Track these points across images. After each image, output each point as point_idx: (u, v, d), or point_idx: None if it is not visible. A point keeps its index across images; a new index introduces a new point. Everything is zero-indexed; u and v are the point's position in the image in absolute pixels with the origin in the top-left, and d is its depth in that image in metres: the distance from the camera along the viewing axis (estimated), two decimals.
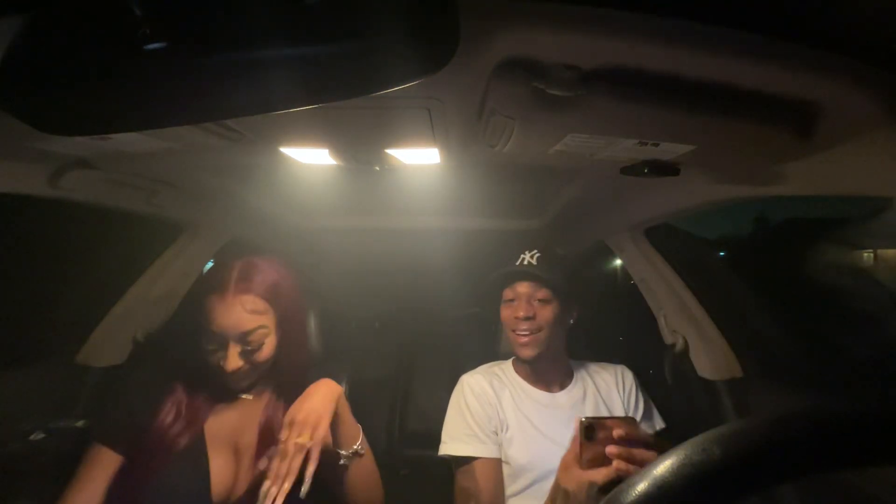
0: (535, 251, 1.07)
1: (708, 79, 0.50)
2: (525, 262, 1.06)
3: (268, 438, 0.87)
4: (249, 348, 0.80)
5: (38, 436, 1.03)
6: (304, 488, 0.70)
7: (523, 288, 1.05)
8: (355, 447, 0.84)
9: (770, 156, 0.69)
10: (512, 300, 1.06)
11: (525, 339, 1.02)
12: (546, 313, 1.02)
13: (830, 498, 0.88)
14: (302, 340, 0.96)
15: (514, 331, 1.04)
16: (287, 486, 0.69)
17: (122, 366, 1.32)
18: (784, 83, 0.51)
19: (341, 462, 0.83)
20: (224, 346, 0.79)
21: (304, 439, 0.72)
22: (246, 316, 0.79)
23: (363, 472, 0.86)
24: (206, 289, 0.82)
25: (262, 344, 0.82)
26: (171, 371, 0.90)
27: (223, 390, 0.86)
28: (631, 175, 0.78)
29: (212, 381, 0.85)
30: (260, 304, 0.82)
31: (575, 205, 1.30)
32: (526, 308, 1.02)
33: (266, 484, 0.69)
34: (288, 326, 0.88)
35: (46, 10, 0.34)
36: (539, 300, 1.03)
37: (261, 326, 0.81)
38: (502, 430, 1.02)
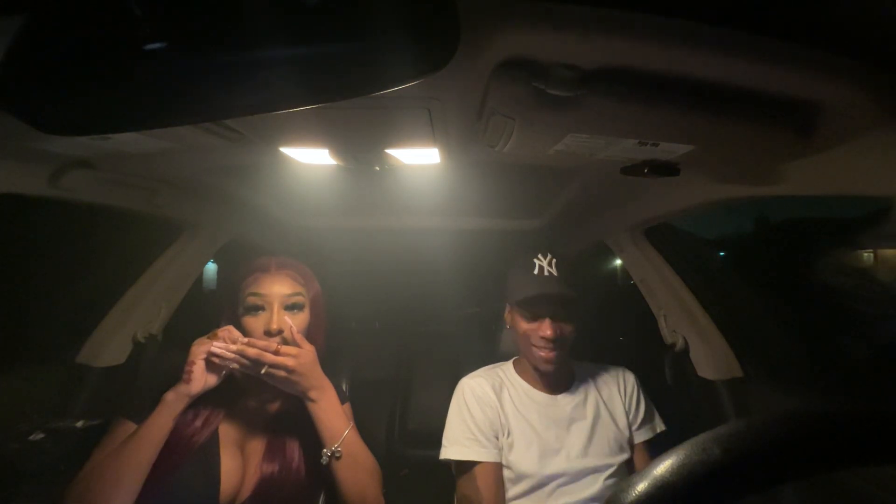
0: (550, 256, 1.02)
1: (708, 79, 0.50)
2: (546, 273, 0.99)
3: (277, 443, 0.88)
4: (291, 307, 0.90)
5: (37, 436, 1.03)
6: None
7: (549, 308, 0.99)
8: (334, 448, 0.84)
9: (770, 156, 0.69)
10: (533, 318, 1.01)
11: (549, 355, 0.99)
12: (569, 329, 1.00)
13: (830, 498, 0.88)
14: (321, 336, 0.98)
15: (535, 346, 1.00)
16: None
17: (122, 366, 1.32)
18: (784, 83, 0.51)
19: (322, 460, 0.84)
20: (270, 308, 0.88)
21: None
22: (289, 281, 0.92)
23: (349, 472, 0.85)
24: (246, 273, 0.92)
25: (301, 309, 0.92)
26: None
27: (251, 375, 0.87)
28: (631, 175, 0.78)
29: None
30: (298, 283, 0.93)
31: (575, 205, 1.30)
32: (553, 328, 0.97)
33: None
34: (314, 314, 0.95)
35: (46, 10, 0.34)
36: (562, 318, 0.99)
37: (299, 293, 0.92)
38: (503, 435, 1.01)
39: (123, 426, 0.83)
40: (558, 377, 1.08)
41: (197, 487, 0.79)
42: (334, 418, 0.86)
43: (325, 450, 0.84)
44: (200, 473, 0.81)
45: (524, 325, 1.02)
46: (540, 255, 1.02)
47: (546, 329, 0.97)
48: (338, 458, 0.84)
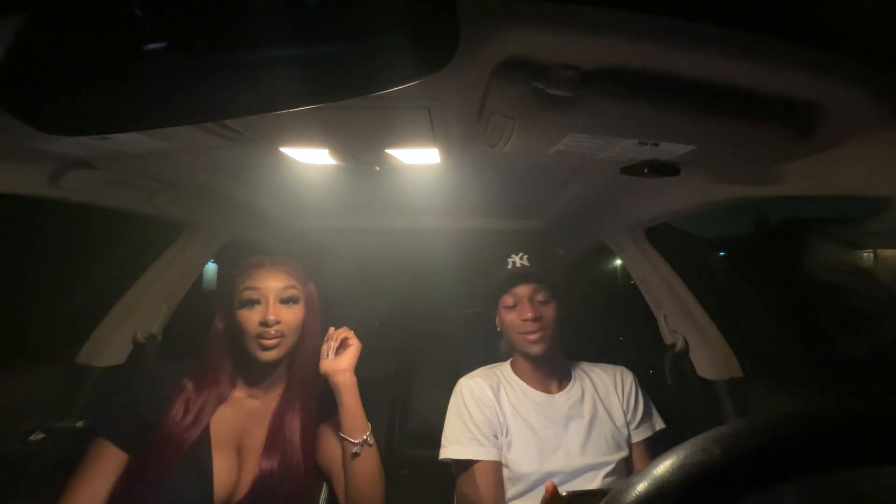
0: (523, 253, 1.09)
1: (708, 79, 0.50)
2: (518, 265, 1.07)
3: (277, 439, 0.88)
4: (286, 301, 0.91)
5: (38, 436, 1.03)
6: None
7: (523, 290, 1.05)
8: (365, 436, 0.88)
9: (770, 156, 0.69)
10: (513, 306, 1.06)
11: (535, 336, 1.03)
12: (549, 312, 1.04)
13: (830, 498, 0.88)
14: (316, 331, 0.98)
15: (521, 332, 1.04)
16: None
17: (123, 366, 1.32)
18: (784, 83, 0.51)
19: (354, 451, 0.86)
20: (265, 301, 0.89)
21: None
22: (283, 276, 0.93)
23: (370, 464, 0.88)
24: (241, 269, 0.93)
25: (296, 303, 0.93)
26: (197, 352, 0.94)
27: (250, 362, 0.89)
28: (631, 175, 0.78)
29: (242, 352, 0.89)
30: (292, 277, 0.94)
31: (575, 205, 1.30)
32: (532, 309, 1.02)
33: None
34: (309, 310, 0.96)
35: (47, 10, 0.34)
36: (540, 301, 1.05)
37: (294, 287, 0.93)
38: (502, 434, 1.02)
39: (104, 449, 0.81)
40: (553, 374, 1.09)
41: (188, 489, 0.79)
42: (361, 409, 0.90)
43: (355, 439, 0.87)
44: (192, 474, 0.80)
45: (508, 316, 1.07)
46: (513, 255, 1.10)
47: (526, 311, 1.03)
48: (370, 445, 0.88)
